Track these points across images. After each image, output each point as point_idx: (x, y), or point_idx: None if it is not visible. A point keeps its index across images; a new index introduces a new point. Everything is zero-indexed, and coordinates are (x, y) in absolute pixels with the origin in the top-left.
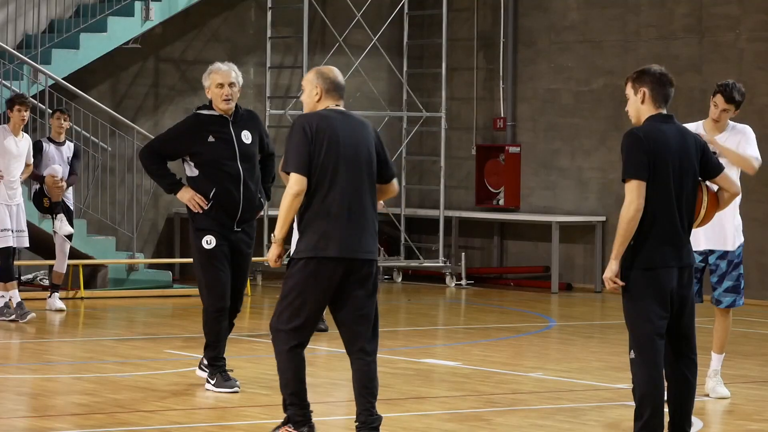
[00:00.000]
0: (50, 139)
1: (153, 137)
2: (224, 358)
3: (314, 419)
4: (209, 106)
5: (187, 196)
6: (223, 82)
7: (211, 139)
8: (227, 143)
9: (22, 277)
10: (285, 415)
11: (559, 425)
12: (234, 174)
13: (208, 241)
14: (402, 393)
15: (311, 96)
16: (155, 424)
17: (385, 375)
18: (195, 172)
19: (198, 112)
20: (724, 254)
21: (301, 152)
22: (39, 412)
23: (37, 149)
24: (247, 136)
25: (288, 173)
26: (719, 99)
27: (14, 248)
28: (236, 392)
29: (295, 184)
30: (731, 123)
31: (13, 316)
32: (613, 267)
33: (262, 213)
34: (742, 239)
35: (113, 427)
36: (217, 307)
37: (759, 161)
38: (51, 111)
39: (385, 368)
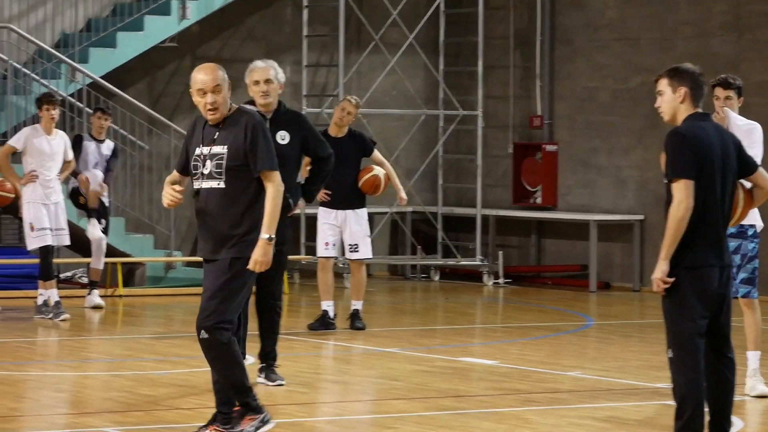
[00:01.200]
0: (91, 136)
1: None
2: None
3: (349, 417)
4: (252, 104)
5: None
6: (259, 79)
7: None
8: None
9: (60, 275)
10: (236, 408)
11: (598, 424)
12: None
13: None
14: (440, 391)
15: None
16: (193, 421)
17: (423, 373)
18: None
19: (239, 107)
20: (738, 247)
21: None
22: (77, 409)
23: (77, 144)
24: (283, 137)
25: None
26: (718, 90)
27: (53, 247)
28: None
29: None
30: (738, 119)
31: (51, 315)
32: (663, 267)
33: (297, 212)
34: (758, 230)
35: (151, 425)
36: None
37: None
38: (92, 110)
39: (423, 366)
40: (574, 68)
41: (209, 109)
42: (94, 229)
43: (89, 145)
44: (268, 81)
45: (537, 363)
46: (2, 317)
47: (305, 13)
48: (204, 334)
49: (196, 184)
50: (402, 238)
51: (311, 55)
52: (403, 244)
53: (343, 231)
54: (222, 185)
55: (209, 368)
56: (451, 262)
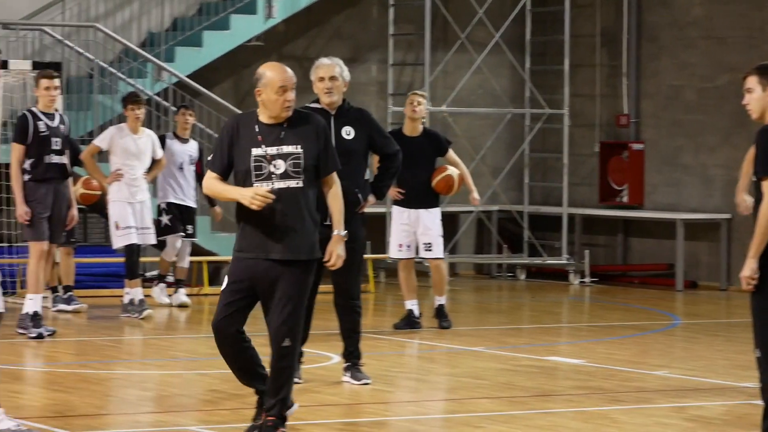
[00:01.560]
0: (175, 135)
1: None
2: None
3: (435, 416)
4: (317, 101)
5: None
6: (324, 75)
7: None
8: None
9: (146, 274)
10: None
11: (684, 424)
12: None
13: None
14: (526, 391)
15: None
16: None
17: (509, 372)
18: None
19: (305, 105)
20: None
21: None
22: (163, 408)
23: (161, 145)
24: (348, 132)
25: None
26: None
27: (138, 246)
28: (297, 383)
29: None
30: None
31: (136, 314)
32: (752, 266)
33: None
34: None
35: (236, 423)
36: None
37: None
38: (176, 108)
39: (509, 365)
40: (661, 66)
41: (287, 107)
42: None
43: (173, 145)
44: (333, 78)
45: (623, 362)
46: (89, 316)
47: (391, 11)
48: (288, 342)
49: (264, 185)
50: (488, 237)
51: (397, 53)
52: (489, 243)
53: (417, 230)
54: (300, 184)
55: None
56: (537, 261)
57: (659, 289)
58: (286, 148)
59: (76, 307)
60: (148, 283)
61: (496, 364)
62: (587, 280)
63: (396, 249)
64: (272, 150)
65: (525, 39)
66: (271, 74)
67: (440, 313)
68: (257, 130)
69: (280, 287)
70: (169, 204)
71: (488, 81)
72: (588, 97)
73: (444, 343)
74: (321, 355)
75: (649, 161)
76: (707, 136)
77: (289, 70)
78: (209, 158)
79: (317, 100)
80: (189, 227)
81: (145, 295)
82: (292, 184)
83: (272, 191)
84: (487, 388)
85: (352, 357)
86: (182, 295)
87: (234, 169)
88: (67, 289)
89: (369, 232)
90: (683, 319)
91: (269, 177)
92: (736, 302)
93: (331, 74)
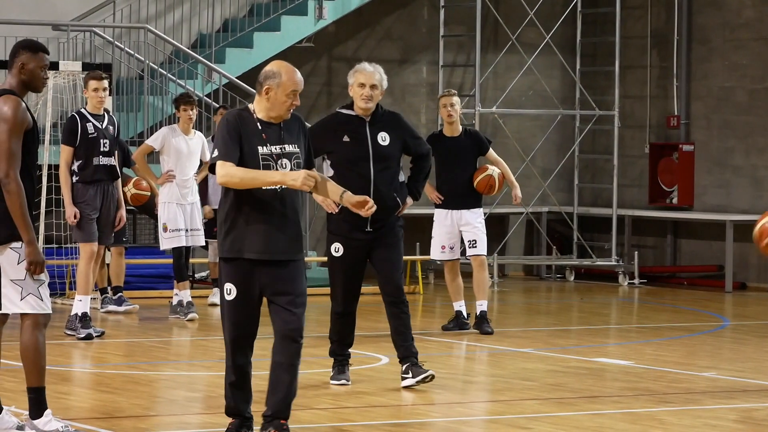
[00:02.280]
0: None
1: None
2: (346, 354)
3: (483, 417)
4: (350, 106)
5: (320, 197)
6: (365, 82)
7: (345, 138)
8: (361, 144)
9: (196, 275)
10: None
11: (733, 425)
12: (365, 175)
13: (336, 249)
14: (574, 392)
15: None
16: (327, 421)
17: (557, 374)
18: (331, 172)
19: (338, 111)
20: None
21: None
22: (211, 409)
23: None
24: (384, 138)
25: None
26: None
27: (188, 248)
28: (345, 385)
29: None
30: None
31: (183, 315)
32: None
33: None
34: None
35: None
36: (337, 311)
37: None
38: (216, 107)
39: (557, 367)
40: (711, 68)
41: (290, 109)
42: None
43: None
44: (373, 87)
45: (672, 363)
46: (138, 317)
47: (442, 13)
48: (301, 341)
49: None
50: (537, 239)
51: (448, 55)
52: (539, 244)
53: (461, 228)
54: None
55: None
56: (586, 262)
57: (708, 290)
58: (288, 148)
59: (128, 308)
60: (197, 284)
61: (544, 365)
62: (636, 281)
63: (438, 250)
64: (276, 149)
65: (576, 40)
66: (286, 77)
67: (482, 318)
68: (259, 128)
69: (288, 287)
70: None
71: (538, 82)
72: (638, 99)
73: (492, 345)
74: (369, 356)
75: (699, 162)
76: (758, 137)
77: (299, 73)
78: (214, 153)
79: (348, 105)
80: None
81: (195, 296)
82: None
83: (280, 190)
84: (534, 389)
85: (410, 355)
86: (215, 296)
87: (239, 166)
88: (116, 290)
89: (417, 233)
90: (732, 320)
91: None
92: None
93: (372, 82)
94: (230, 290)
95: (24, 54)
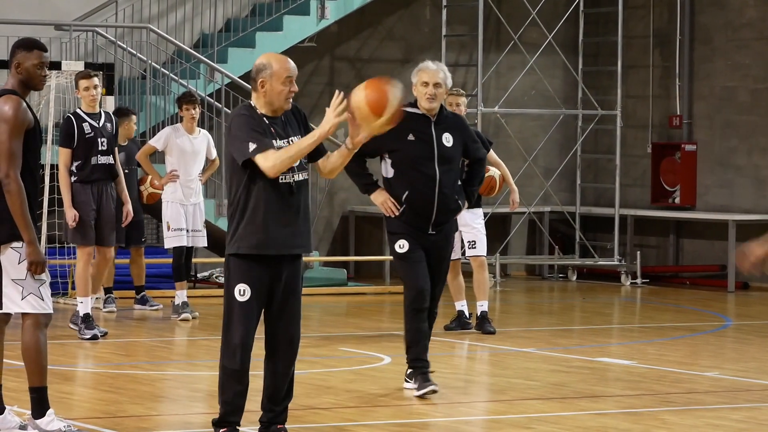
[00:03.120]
0: None
1: None
2: (426, 360)
3: (485, 417)
4: (414, 104)
5: (380, 198)
6: (428, 80)
7: (410, 137)
8: (426, 143)
9: (198, 275)
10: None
11: (736, 425)
12: (430, 176)
13: (401, 245)
14: (577, 392)
15: None
16: (329, 421)
17: (560, 373)
18: (391, 173)
19: (402, 108)
20: None
21: None
22: (214, 409)
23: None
24: (448, 139)
25: None
26: None
27: (190, 248)
28: (435, 391)
29: None
30: None
31: (175, 315)
32: None
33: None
34: None
35: (288, 424)
36: (414, 306)
37: None
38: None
39: (560, 366)
40: (714, 68)
41: (290, 98)
42: None
43: None
44: (437, 85)
45: (674, 363)
46: (139, 317)
47: (444, 12)
48: (299, 339)
49: (287, 178)
50: (540, 238)
51: (450, 54)
52: (541, 243)
53: (461, 229)
54: (308, 176)
55: (343, 368)
56: (588, 262)
57: (711, 290)
58: (295, 140)
59: (155, 308)
60: (200, 284)
61: (546, 365)
62: (639, 281)
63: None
64: (284, 143)
65: (578, 40)
66: (278, 65)
67: (483, 319)
68: (267, 122)
69: (293, 285)
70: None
71: (541, 82)
72: (641, 98)
73: (494, 344)
74: (371, 356)
75: (702, 162)
76: (760, 137)
77: (290, 59)
78: (252, 147)
79: (411, 104)
80: None
81: (198, 296)
82: (305, 175)
83: (294, 183)
84: (537, 389)
85: (422, 363)
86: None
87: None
88: (139, 289)
89: None
90: (735, 320)
91: (291, 169)
92: None
93: (436, 80)
94: (244, 291)
95: (20, 53)
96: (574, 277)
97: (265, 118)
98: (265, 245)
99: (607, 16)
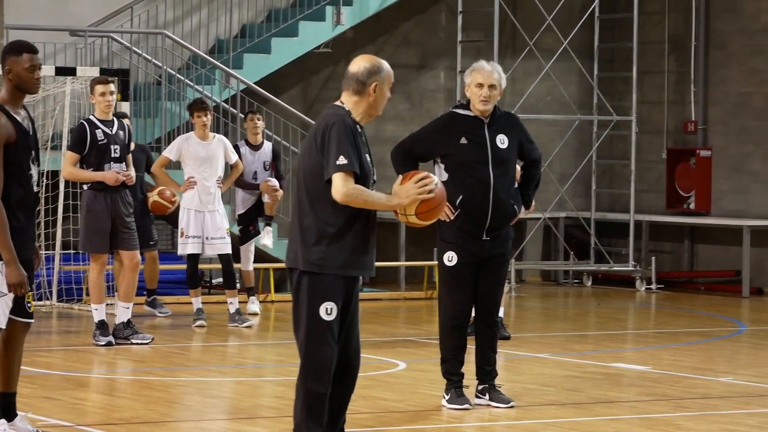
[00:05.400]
0: (247, 143)
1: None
2: (461, 374)
3: (500, 423)
4: (466, 106)
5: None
6: (483, 82)
7: (463, 140)
8: (480, 146)
9: (213, 281)
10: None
11: (750, 431)
12: (484, 180)
13: (450, 258)
14: (591, 397)
15: None
16: (345, 427)
17: (575, 379)
18: (444, 176)
19: (453, 111)
20: None
21: None
22: (230, 415)
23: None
24: (503, 141)
25: None
26: None
27: (224, 254)
28: (468, 409)
29: None
30: None
31: (200, 321)
32: None
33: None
34: None
35: None
36: (451, 324)
37: None
38: (243, 115)
39: (575, 372)
40: (729, 73)
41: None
42: (266, 236)
43: (246, 154)
44: (492, 86)
45: (689, 369)
46: (152, 323)
47: (460, 18)
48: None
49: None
50: (555, 244)
51: (466, 60)
52: (556, 249)
53: None
54: None
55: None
56: (603, 267)
57: (725, 295)
58: (368, 157)
59: (165, 314)
60: (215, 289)
61: (561, 370)
62: (653, 286)
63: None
64: (368, 157)
65: (593, 45)
66: (387, 69)
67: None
68: (359, 130)
69: (357, 303)
70: (240, 216)
71: (556, 88)
72: (656, 104)
73: (509, 350)
74: (386, 361)
75: (717, 168)
76: None
77: None
78: (341, 161)
79: (463, 105)
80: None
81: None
82: None
83: None
84: (552, 394)
85: (489, 377)
86: (253, 303)
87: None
88: (150, 293)
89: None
90: (749, 325)
91: (373, 185)
92: None
93: (491, 82)
94: (331, 309)
95: (9, 58)
96: (589, 283)
97: (358, 126)
98: (352, 266)
99: (623, 21)
